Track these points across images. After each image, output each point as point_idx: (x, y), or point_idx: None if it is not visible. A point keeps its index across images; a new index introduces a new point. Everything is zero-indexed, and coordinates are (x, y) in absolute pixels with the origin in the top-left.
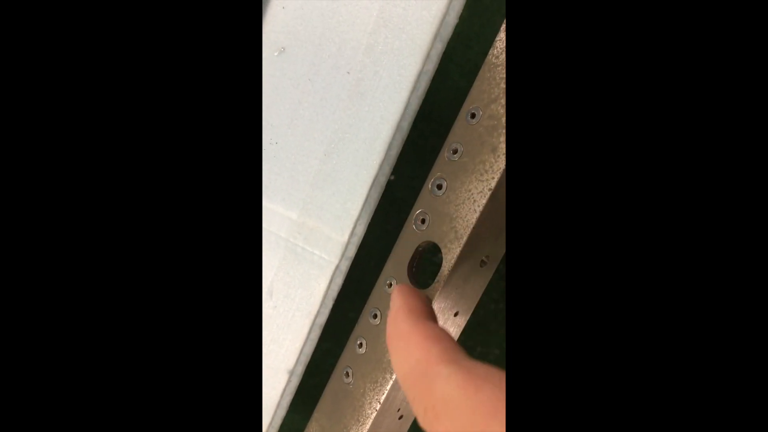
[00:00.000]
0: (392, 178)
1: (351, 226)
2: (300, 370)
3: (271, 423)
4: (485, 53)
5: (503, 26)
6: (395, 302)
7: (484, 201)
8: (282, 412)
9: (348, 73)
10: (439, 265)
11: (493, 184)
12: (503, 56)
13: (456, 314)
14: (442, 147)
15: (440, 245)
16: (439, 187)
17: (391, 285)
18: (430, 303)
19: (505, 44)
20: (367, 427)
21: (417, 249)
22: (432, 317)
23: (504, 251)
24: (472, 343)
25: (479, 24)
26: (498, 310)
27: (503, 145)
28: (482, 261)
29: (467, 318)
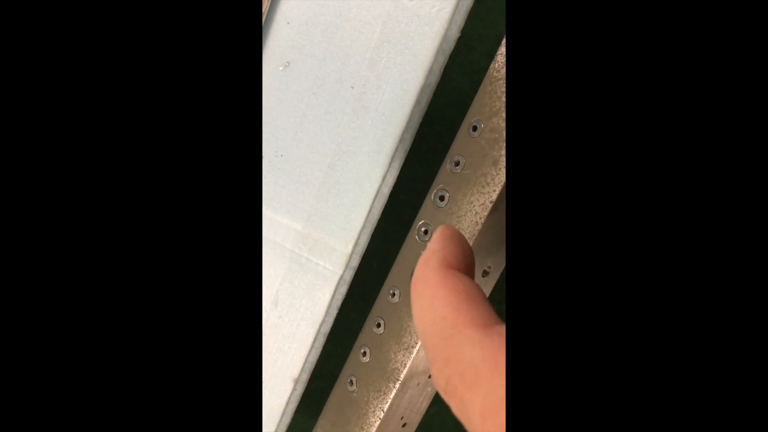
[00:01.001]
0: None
1: (355, 237)
2: (305, 378)
3: (276, 430)
4: (488, 55)
5: (504, 40)
6: (432, 244)
7: (485, 213)
8: (287, 419)
9: (352, 87)
10: None
11: (494, 196)
12: (504, 70)
13: None
14: (444, 159)
15: None
16: (442, 198)
17: (394, 295)
18: (472, 256)
19: (506, 58)
20: None
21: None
22: (470, 271)
23: (505, 261)
24: None
25: (481, 26)
26: (500, 312)
27: (504, 158)
28: (484, 271)
29: None
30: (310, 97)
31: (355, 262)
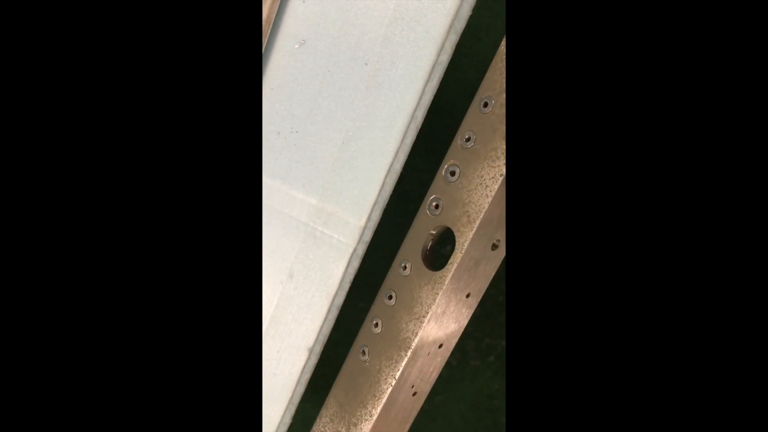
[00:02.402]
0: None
1: (368, 211)
2: (318, 348)
3: (291, 398)
4: (495, 44)
5: None
6: None
7: (496, 186)
8: (301, 389)
9: (366, 64)
10: (451, 250)
11: (504, 169)
12: None
13: (468, 296)
14: (455, 135)
15: (453, 229)
16: (453, 173)
17: (405, 268)
18: None
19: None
20: (383, 402)
21: (431, 233)
22: None
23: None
24: (480, 335)
25: (489, 15)
26: (505, 303)
27: None
28: (494, 244)
29: (479, 299)
30: (325, 74)
31: (368, 236)
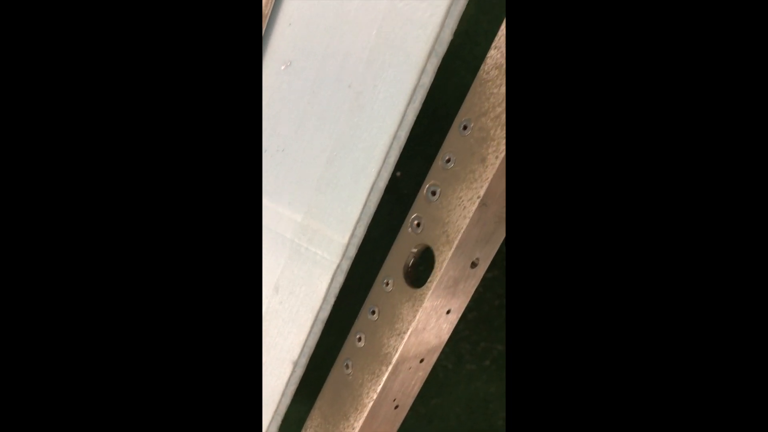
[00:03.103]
0: (398, 174)
1: (351, 228)
2: (303, 361)
3: (276, 410)
4: (474, 69)
5: (493, 43)
6: None
7: (473, 208)
8: (287, 400)
9: (349, 86)
10: (432, 266)
11: (481, 192)
12: (493, 72)
13: (448, 312)
14: (436, 155)
15: (433, 248)
16: (434, 193)
17: (388, 284)
18: None
19: (495, 61)
20: (365, 415)
21: (412, 251)
22: None
23: (494, 252)
24: (476, 339)
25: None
26: (502, 306)
27: (492, 156)
28: (473, 263)
29: (459, 315)
30: (311, 95)
31: (352, 252)
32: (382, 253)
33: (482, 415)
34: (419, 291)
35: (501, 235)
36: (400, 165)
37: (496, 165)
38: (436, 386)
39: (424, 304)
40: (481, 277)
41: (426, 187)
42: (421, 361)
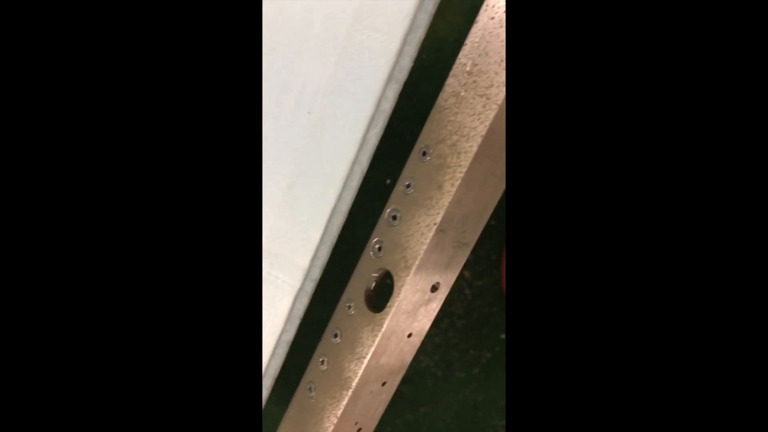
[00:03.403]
0: (388, 181)
1: (312, 251)
2: (269, 383)
3: None
4: (433, 97)
5: (450, 72)
6: None
7: (430, 234)
8: None
9: (309, 113)
10: (392, 290)
11: (438, 218)
12: (451, 100)
13: (410, 335)
14: (397, 181)
15: (392, 272)
16: (395, 218)
17: (350, 307)
18: None
19: (452, 89)
20: None
21: (373, 275)
22: None
23: (455, 276)
24: (465, 346)
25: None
26: (491, 314)
27: (448, 183)
28: (433, 287)
29: (422, 338)
30: (271, 121)
31: (316, 274)
32: (346, 276)
33: (471, 423)
34: (379, 315)
35: (461, 260)
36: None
37: (453, 192)
38: (425, 394)
39: (384, 329)
40: (442, 301)
41: (387, 211)
42: (384, 384)
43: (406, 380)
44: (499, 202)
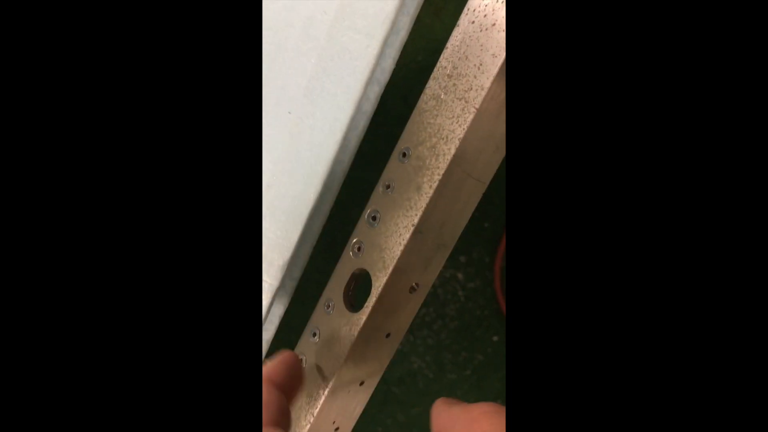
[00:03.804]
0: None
1: (291, 249)
2: None
3: None
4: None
5: (432, 74)
6: (267, 366)
7: (407, 235)
8: None
9: (289, 112)
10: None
11: (416, 220)
12: (431, 102)
13: (388, 335)
14: (378, 181)
15: (371, 273)
16: (374, 218)
17: (329, 306)
18: (301, 378)
19: (433, 92)
20: None
21: (352, 275)
22: (294, 390)
23: (434, 277)
24: (458, 348)
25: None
26: (483, 317)
27: (427, 185)
28: (412, 287)
29: (401, 337)
30: None
31: (297, 273)
32: (326, 276)
33: None
34: (356, 315)
35: (441, 261)
36: (345, 190)
37: (430, 194)
38: (416, 395)
39: (361, 328)
40: (421, 301)
41: (367, 212)
42: (361, 383)
43: (398, 381)
44: (492, 202)
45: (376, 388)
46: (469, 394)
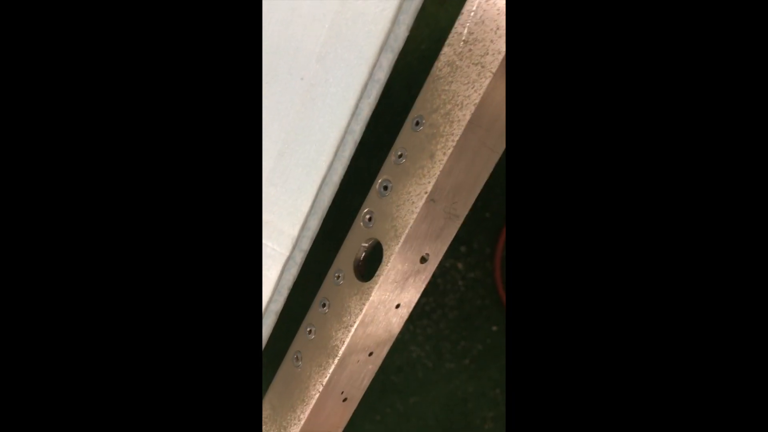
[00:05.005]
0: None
1: (302, 220)
2: None
3: None
4: (429, 65)
5: (447, 40)
6: None
7: (420, 203)
8: None
9: (301, 79)
10: (381, 260)
11: (429, 187)
12: (445, 69)
13: (398, 306)
14: (389, 151)
15: (382, 242)
16: (385, 188)
17: (339, 277)
18: None
19: (447, 59)
20: (311, 406)
21: (363, 245)
22: None
23: (445, 248)
24: (457, 338)
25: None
26: (483, 307)
27: (440, 152)
28: (423, 257)
29: (410, 309)
30: (264, 87)
31: (306, 244)
32: (338, 246)
33: (460, 414)
34: (367, 284)
35: (452, 232)
36: (356, 160)
37: (444, 161)
38: (415, 384)
39: (372, 298)
40: (432, 271)
41: (378, 181)
42: (370, 354)
43: (396, 370)
44: (494, 192)
45: (374, 378)
46: (467, 383)
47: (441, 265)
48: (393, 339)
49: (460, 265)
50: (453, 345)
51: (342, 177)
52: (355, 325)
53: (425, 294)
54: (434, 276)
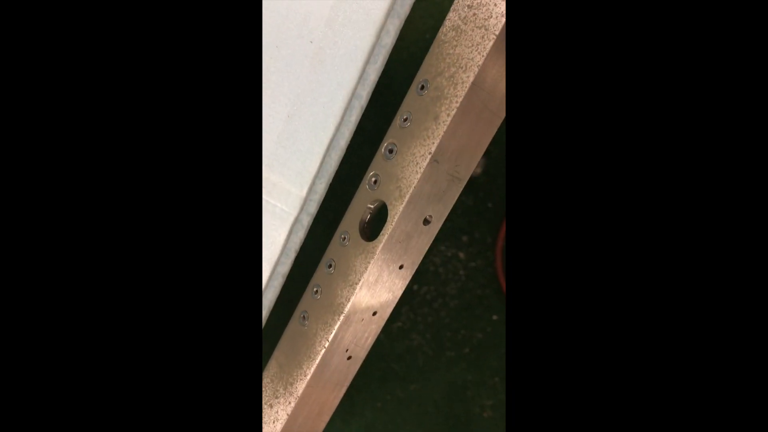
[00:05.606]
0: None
1: (309, 182)
2: (264, 314)
3: None
4: (434, 30)
5: (453, 5)
6: None
7: (424, 164)
8: None
9: (311, 42)
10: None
11: (433, 148)
12: (451, 33)
13: (401, 267)
14: (395, 114)
15: (386, 202)
16: (391, 151)
17: (345, 239)
18: None
19: (452, 23)
20: (317, 362)
21: (368, 207)
22: None
23: (447, 211)
24: (457, 326)
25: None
26: (484, 296)
27: (444, 114)
28: (426, 219)
29: (412, 271)
30: (273, 50)
31: (313, 208)
32: (343, 209)
33: (460, 402)
34: (372, 244)
35: (454, 194)
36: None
37: (448, 122)
38: (415, 372)
39: (376, 257)
40: (434, 234)
41: (384, 145)
42: (374, 314)
43: (397, 358)
44: (495, 183)
45: (375, 365)
46: (467, 372)
47: (442, 255)
48: (396, 300)
49: (461, 255)
50: (453, 333)
51: (348, 141)
52: (360, 283)
53: (426, 283)
54: (436, 265)
